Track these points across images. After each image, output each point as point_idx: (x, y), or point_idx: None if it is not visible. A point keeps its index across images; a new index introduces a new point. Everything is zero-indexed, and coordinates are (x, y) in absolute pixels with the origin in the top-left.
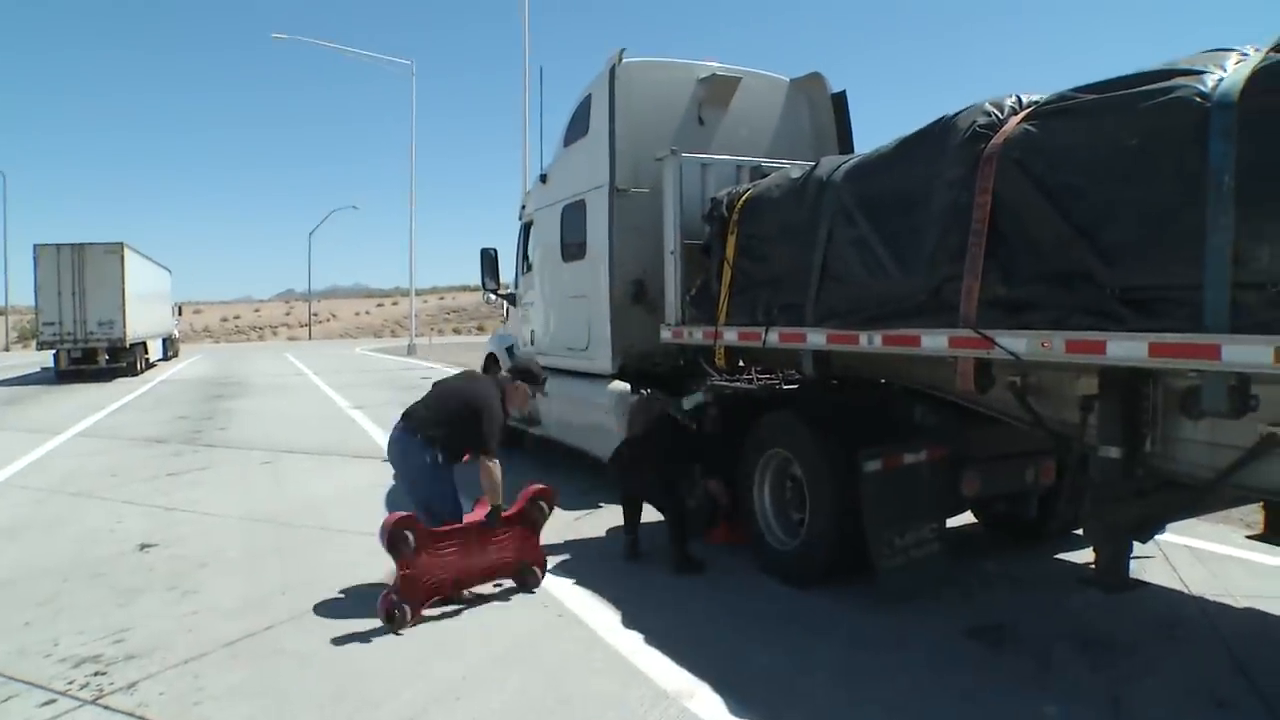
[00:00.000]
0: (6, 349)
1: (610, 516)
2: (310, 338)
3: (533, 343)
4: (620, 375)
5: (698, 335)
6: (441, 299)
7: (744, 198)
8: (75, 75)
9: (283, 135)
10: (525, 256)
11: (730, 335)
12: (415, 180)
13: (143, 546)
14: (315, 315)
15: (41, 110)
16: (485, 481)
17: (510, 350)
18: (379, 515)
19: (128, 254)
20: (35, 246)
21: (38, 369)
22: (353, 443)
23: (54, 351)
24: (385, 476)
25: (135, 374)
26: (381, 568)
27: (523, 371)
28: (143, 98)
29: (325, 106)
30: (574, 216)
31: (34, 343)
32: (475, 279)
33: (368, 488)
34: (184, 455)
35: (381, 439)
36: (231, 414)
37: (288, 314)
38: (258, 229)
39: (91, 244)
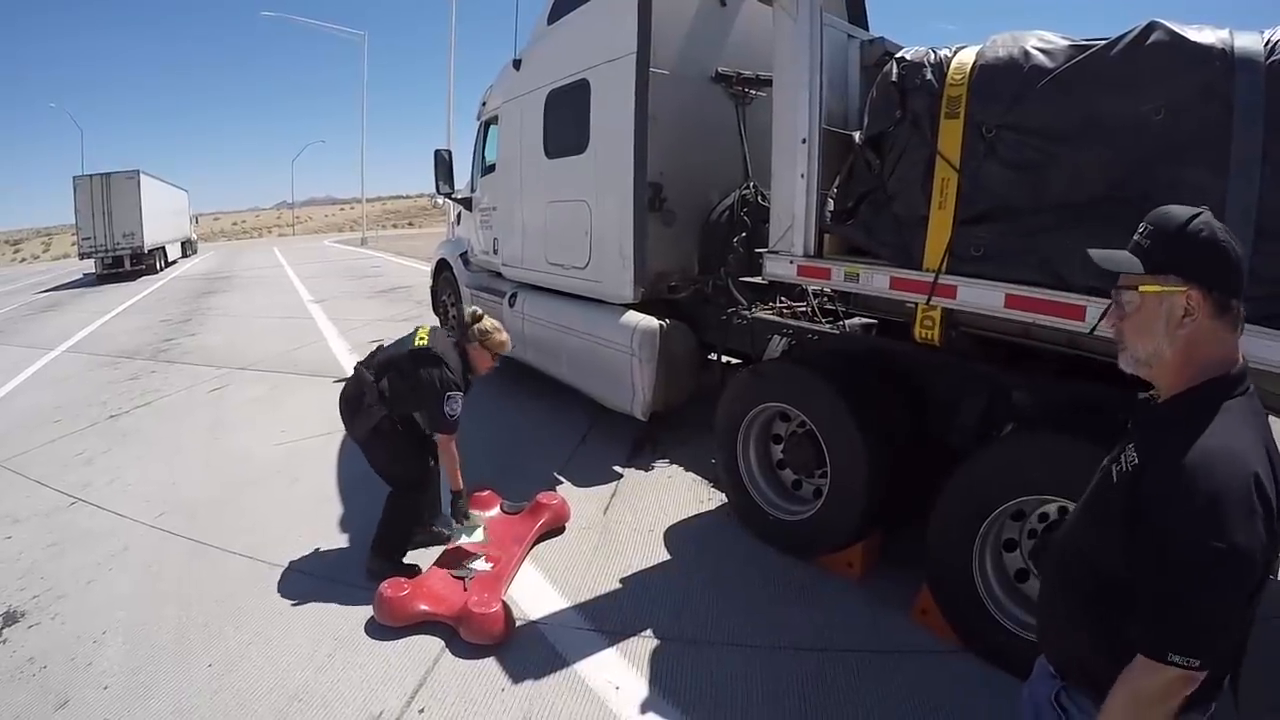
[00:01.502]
0: (80, 258)
1: (649, 504)
2: (294, 234)
3: (495, 252)
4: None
5: (876, 280)
6: (384, 204)
7: (977, 64)
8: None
9: (279, 77)
10: (483, 158)
11: (987, 297)
12: (366, 120)
13: (4, 622)
14: (297, 218)
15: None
16: (443, 459)
17: (464, 258)
18: (329, 526)
19: (143, 179)
20: (74, 178)
21: (80, 275)
22: (306, 354)
23: (93, 259)
24: (334, 421)
25: (156, 272)
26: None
27: (481, 334)
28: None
29: (309, 58)
30: (567, 102)
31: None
32: (410, 188)
33: (318, 447)
34: (140, 379)
35: (335, 342)
36: (207, 315)
37: (278, 218)
38: (261, 151)
39: (115, 173)
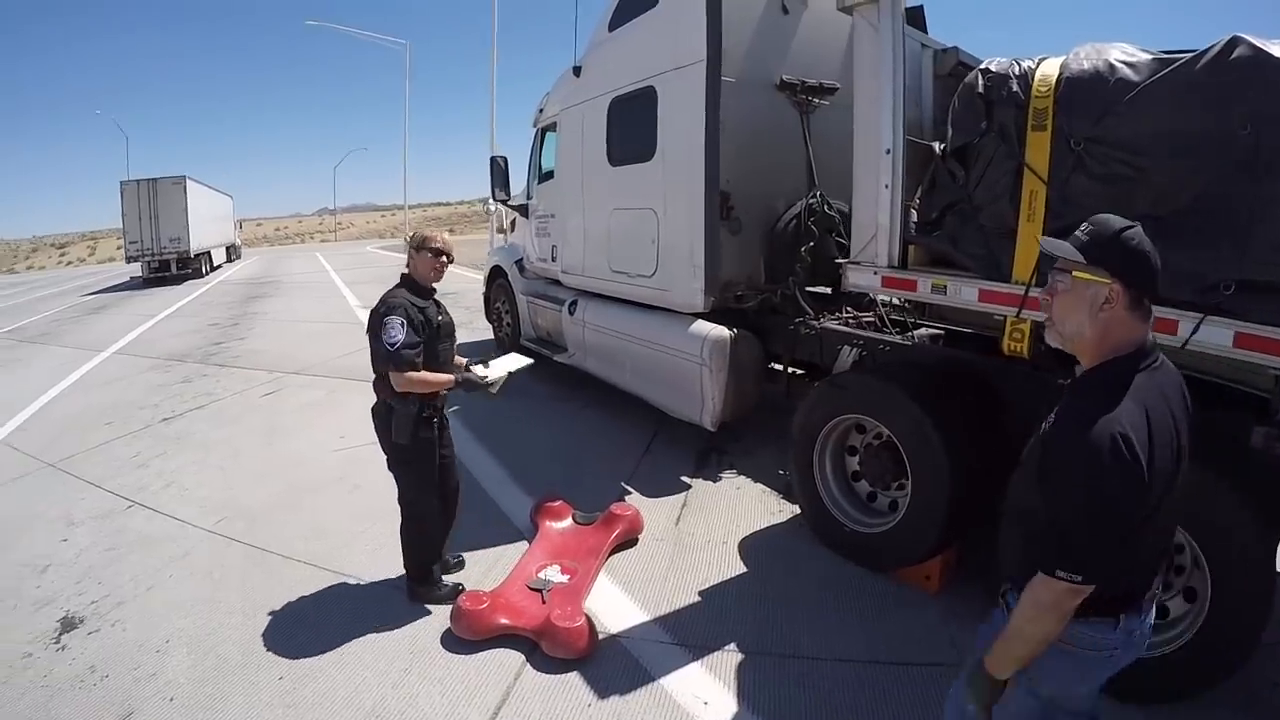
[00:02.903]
0: (127, 261)
1: (720, 515)
2: (336, 239)
3: (553, 259)
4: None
5: (964, 293)
6: (426, 211)
7: (1062, 76)
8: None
9: (322, 85)
10: (540, 164)
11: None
12: (409, 128)
13: (63, 628)
14: (339, 224)
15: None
16: (414, 388)
17: (520, 264)
18: (392, 535)
19: (189, 184)
20: (121, 182)
21: (127, 278)
22: (359, 360)
23: (139, 263)
24: None
25: (201, 276)
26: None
27: (418, 242)
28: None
29: (351, 66)
30: (632, 109)
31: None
32: (451, 195)
33: (377, 454)
34: (193, 382)
35: None
36: (255, 319)
37: (320, 224)
38: (303, 158)
39: (161, 178)
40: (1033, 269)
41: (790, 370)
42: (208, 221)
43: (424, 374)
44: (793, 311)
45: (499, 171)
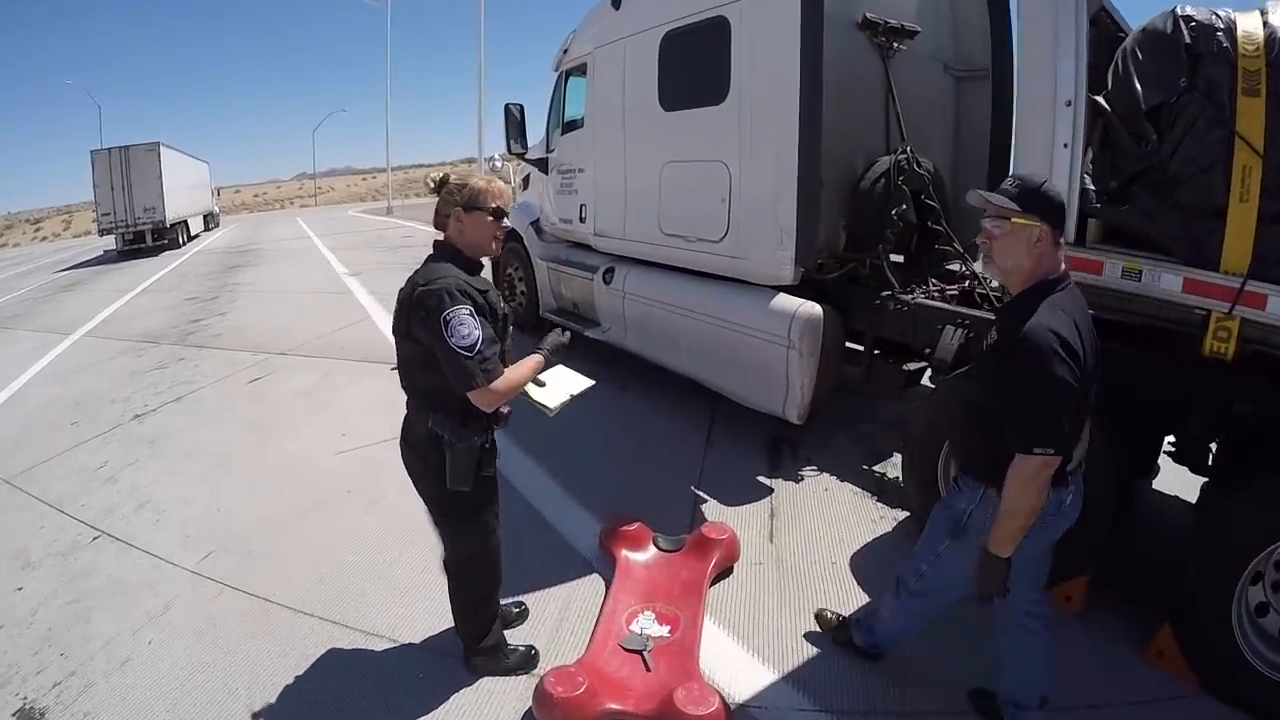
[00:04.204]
0: (99, 235)
1: (816, 527)
2: (316, 204)
3: (582, 220)
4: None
5: (1165, 280)
6: (406, 173)
7: (1273, 36)
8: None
9: (299, 48)
10: (563, 113)
11: None
12: (390, 91)
13: None
14: (319, 188)
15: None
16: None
17: (536, 226)
18: (430, 571)
19: (163, 151)
20: (91, 152)
21: (101, 251)
22: (352, 335)
23: (113, 235)
24: (400, 416)
25: (179, 246)
26: None
27: (468, 197)
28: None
29: (328, 27)
30: (694, 45)
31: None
32: (432, 157)
33: (390, 454)
34: (169, 368)
35: (382, 321)
36: (236, 292)
37: (299, 189)
38: (279, 123)
39: (134, 145)
40: (1250, 257)
41: (874, 351)
42: (184, 189)
43: (510, 375)
44: (878, 283)
45: (514, 121)
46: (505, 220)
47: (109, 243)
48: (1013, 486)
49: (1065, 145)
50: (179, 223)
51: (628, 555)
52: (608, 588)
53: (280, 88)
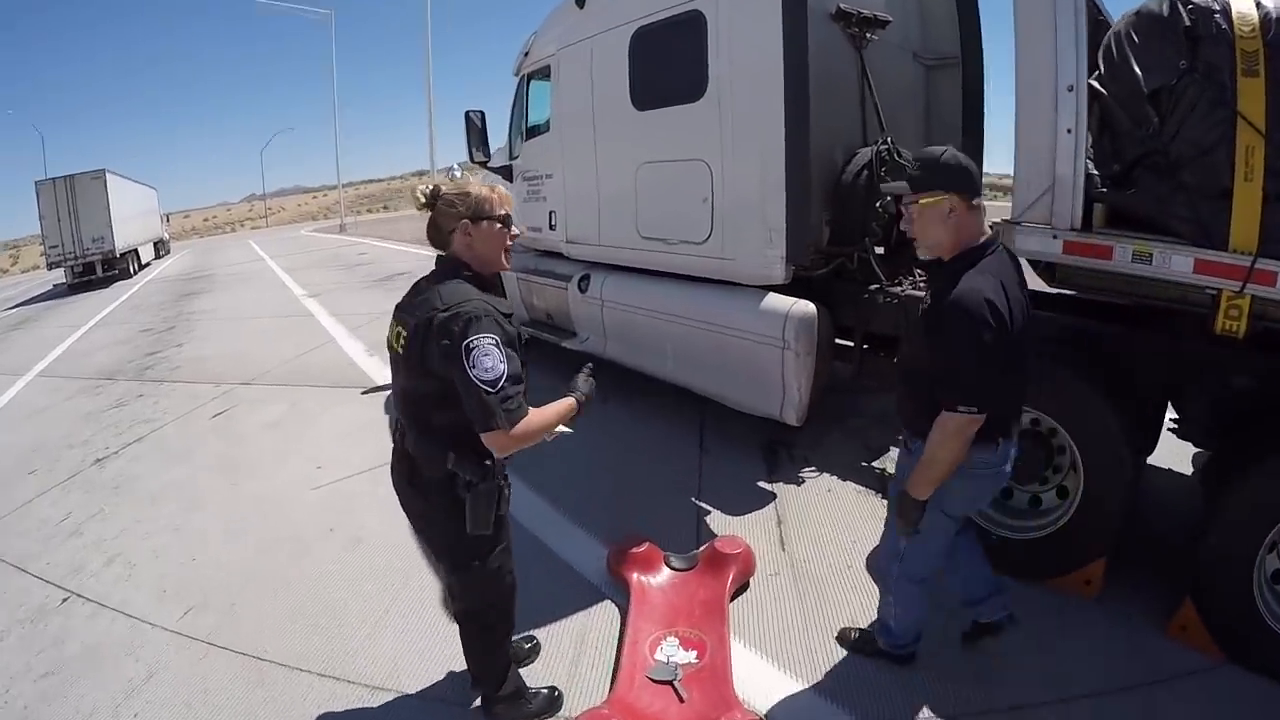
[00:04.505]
0: (48, 268)
1: (825, 530)
2: (268, 225)
3: (551, 227)
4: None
5: (1175, 262)
6: (357, 189)
7: (1268, 15)
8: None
9: (241, 67)
10: (526, 118)
11: None
12: (337, 104)
13: None
14: (269, 209)
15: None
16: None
17: None
18: (427, 610)
19: (109, 178)
20: (36, 182)
21: (50, 286)
22: (318, 359)
23: (62, 268)
24: (380, 447)
25: (129, 276)
26: None
27: (473, 206)
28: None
29: (271, 44)
30: (667, 41)
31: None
32: (381, 171)
33: (368, 486)
34: (128, 406)
35: (346, 343)
36: (193, 321)
37: (250, 210)
38: (225, 146)
39: (79, 174)
40: (1257, 235)
41: (863, 346)
42: (132, 217)
43: (534, 419)
44: (865, 277)
45: (475, 128)
46: (514, 228)
47: (58, 276)
48: (935, 438)
49: (1069, 130)
50: (129, 251)
51: (640, 578)
52: (623, 615)
53: (225, 109)
